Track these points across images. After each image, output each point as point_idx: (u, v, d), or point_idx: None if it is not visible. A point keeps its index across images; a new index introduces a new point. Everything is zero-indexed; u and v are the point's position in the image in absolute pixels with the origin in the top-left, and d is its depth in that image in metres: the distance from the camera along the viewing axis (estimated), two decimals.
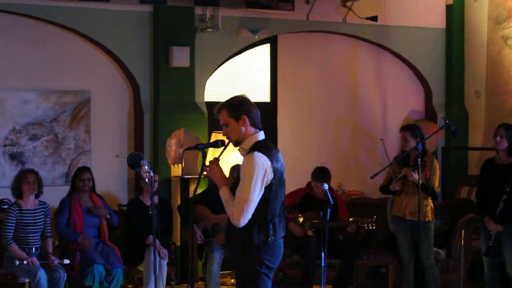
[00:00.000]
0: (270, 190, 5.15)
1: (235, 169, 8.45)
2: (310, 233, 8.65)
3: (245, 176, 5.10)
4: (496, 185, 7.87)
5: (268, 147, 5.23)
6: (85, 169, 8.68)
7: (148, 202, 8.72)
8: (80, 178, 8.57)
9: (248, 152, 5.18)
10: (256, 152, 5.11)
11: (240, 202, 5.08)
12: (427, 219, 8.21)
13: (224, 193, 5.22)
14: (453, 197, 10.82)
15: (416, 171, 7.96)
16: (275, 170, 5.16)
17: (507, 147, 7.93)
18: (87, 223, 8.49)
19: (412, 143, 8.12)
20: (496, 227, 7.87)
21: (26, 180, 8.05)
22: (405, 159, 8.22)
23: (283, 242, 5.39)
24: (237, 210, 5.10)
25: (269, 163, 5.12)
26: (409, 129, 8.27)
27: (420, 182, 7.97)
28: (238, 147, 5.31)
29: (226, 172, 5.45)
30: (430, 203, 8.26)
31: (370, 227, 8.48)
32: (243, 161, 5.18)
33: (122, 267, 8.35)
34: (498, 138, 7.93)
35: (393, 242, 8.97)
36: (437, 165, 8.28)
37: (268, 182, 5.14)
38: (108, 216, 8.57)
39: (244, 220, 5.10)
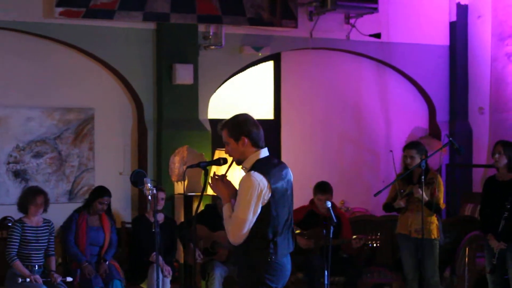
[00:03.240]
0: (269, 209, 5.12)
1: None
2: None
3: (240, 196, 5.10)
4: (498, 202, 7.88)
5: (270, 164, 5.21)
6: (106, 193, 8.57)
7: (153, 219, 8.70)
8: (100, 200, 8.51)
9: (248, 172, 5.17)
10: (252, 172, 5.10)
11: (235, 220, 5.09)
12: (432, 237, 8.19)
13: (226, 210, 5.21)
14: (457, 214, 10.79)
15: (421, 188, 7.96)
16: (273, 189, 5.13)
17: (506, 164, 7.94)
18: (90, 241, 8.47)
19: (418, 160, 8.12)
20: (499, 245, 7.86)
21: (35, 202, 8.00)
22: (409, 177, 8.21)
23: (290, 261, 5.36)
24: (232, 228, 5.11)
25: (266, 183, 5.09)
26: (414, 146, 8.26)
27: (426, 199, 7.97)
28: (241, 166, 5.30)
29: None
30: (435, 220, 8.25)
31: (374, 245, 8.46)
32: (240, 180, 5.17)
33: (119, 279, 8.32)
34: (497, 156, 7.95)
35: (399, 260, 8.96)
36: (441, 182, 8.28)
37: (265, 202, 5.11)
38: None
39: (238, 238, 5.10)
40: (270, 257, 5.15)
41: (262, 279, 5.15)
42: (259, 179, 5.08)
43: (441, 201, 8.22)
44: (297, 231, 8.67)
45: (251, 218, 5.07)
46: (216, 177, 5.34)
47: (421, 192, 7.96)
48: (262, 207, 5.10)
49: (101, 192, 8.58)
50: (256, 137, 5.22)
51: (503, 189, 7.93)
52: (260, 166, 5.15)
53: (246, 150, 5.22)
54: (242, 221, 5.06)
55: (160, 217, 8.64)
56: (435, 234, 8.22)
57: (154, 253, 8.14)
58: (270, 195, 5.12)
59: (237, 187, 5.19)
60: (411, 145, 8.32)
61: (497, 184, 8.05)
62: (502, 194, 7.88)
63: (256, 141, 5.23)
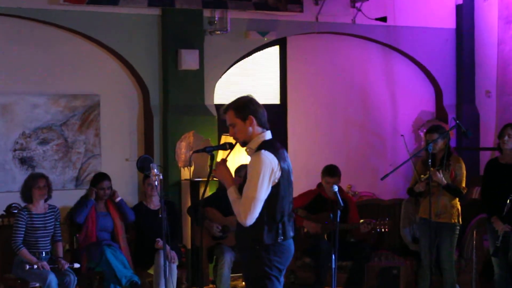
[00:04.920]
0: (278, 189, 5.14)
1: (241, 169, 8.46)
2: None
3: (252, 175, 5.09)
4: (503, 185, 7.86)
5: (275, 146, 5.23)
6: (105, 178, 8.66)
7: (152, 206, 8.79)
8: (100, 186, 8.59)
9: (255, 152, 5.16)
10: (263, 151, 5.11)
11: (247, 200, 5.07)
12: (452, 221, 8.15)
13: (231, 193, 5.21)
14: (465, 197, 10.76)
15: (440, 171, 7.94)
16: (282, 169, 5.14)
17: None
18: (100, 228, 8.53)
19: (441, 143, 8.07)
20: (504, 227, 7.86)
21: (37, 186, 8.03)
22: (431, 160, 8.13)
23: (293, 243, 5.36)
24: (243, 209, 5.08)
25: (277, 161, 5.11)
26: (436, 130, 8.19)
27: (445, 182, 7.94)
28: (245, 148, 5.29)
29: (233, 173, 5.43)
30: (457, 204, 8.20)
31: (383, 229, 8.46)
32: (251, 160, 5.17)
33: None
34: (506, 138, 7.93)
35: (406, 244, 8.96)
36: (463, 165, 8.22)
37: (276, 181, 5.12)
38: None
39: (251, 219, 5.08)
40: (279, 237, 5.15)
41: (271, 261, 5.16)
42: (271, 158, 5.10)
43: (463, 184, 8.18)
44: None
45: (263, 197, 5.07)
46: (217, 161, 5.36)
47: (439, 175, 7.94)
48: (272, 187, 5.11)
49: (99, 178, 8.67)
50: (262, 116, 5.26)
51: (508, 171, 7.92)
52: (268, 146, 5.16)
53: (253, 130, 5.22)
54: (255, 200, 5.05)
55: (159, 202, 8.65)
56: (455, 218, 8.17)
57: (158, 239, 8.19)
58: (280, 174, 5.12)
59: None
60: (433, 129, 8.23)
61: (501, 167, 8.04)
62: (507, 177, 7.87)
63: (262, 121, 5.26)
